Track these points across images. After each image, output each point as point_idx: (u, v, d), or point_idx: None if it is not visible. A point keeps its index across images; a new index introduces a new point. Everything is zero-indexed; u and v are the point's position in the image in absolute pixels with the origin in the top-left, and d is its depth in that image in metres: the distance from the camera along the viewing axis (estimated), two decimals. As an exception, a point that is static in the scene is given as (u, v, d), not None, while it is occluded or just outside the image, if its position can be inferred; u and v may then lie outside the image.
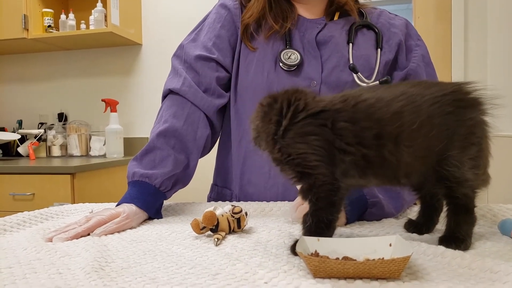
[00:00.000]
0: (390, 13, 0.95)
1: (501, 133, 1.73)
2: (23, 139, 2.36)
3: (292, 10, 0.89)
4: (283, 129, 0.52)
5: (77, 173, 1.78)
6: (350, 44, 0.86)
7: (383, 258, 0.43)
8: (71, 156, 2.32)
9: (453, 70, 2.04)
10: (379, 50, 0.87)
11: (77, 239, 0.63)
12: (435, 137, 0.51)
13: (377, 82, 0.83)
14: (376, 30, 0.88)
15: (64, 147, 2.36)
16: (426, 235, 0.60)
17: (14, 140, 2.35)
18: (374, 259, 0.43)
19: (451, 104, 0.51)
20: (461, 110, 0.52)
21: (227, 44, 0.89)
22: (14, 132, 2.39)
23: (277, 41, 0.87)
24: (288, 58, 0.84)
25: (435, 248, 0.50)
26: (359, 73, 0.83)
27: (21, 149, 2.32)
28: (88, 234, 0.65)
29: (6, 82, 2.58)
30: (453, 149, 0.51)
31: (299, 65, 0.84)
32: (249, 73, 0.87)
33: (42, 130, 2.34)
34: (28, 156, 2.28)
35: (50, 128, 2.37)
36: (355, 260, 0.44)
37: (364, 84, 0.83)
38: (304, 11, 0.91)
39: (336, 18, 0.91)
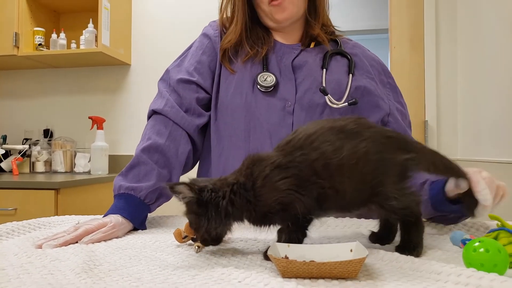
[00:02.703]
0: (365, 47, 1.04)
1: (482, 159, 1.84)
2: (7, 154, 2.36)
3: (268, 36, 0.98)
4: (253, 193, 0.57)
5: (61, 189, 1.79)
6: (324, 70, 0.94)
7: (343, 260, 0.49)
8: (55, 172, 2.33)
9: (426, 95, 2.19)
10: (350, 75, 0.95)
11: (65, 246, 0.67)
12: (370, 173, 0.57)
13: (347, 103, 0.91)
14: (349, 57, 0.97)
15: (48, 163, 2.37)
16: (387, 245, 0.66)
17: (-2, 155, 2.34)
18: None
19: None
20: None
21: (207, 68, 0.97)
22: (-3, 147, 2.39)
23: (255, 65, 0.95)
24: (265, 80, 0.92)
25: (391, 255, 0.57)
26: (329, 96, 0.91)
27: (4, 164, 2.32)
28: (76, 242, 0.69)
29: (-8, 98, 2.59)
30: (387, 183, 0.57)
31: (275, 87, 0.92)
32: (228, 93, 0.95)
33: (26, 146, 2.35)
34: (11, 171, 2.28)
35: (35, 144, 2.38)
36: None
37: (335, 106, 0.91)
38: (281, 38, 1.00)
39: (312, 46, 0.99)
